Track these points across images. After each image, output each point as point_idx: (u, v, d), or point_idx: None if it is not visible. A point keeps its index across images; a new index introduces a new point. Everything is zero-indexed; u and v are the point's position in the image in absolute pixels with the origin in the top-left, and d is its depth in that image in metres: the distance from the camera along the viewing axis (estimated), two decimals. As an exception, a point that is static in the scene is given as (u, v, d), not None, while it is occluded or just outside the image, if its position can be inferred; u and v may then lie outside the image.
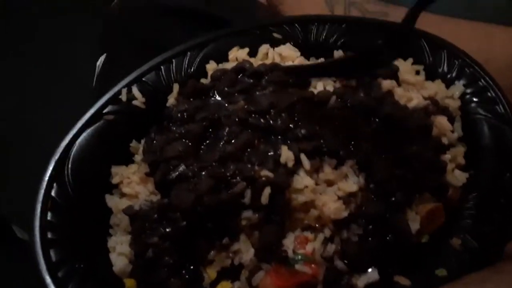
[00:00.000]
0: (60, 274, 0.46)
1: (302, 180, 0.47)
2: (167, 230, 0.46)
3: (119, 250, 0.49)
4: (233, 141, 0.50)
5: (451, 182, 0.53)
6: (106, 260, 0.49)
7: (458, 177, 0.53)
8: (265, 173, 0.46)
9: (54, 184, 0.51)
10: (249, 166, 0.47)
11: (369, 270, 0.46)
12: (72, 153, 0.53)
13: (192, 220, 0.46)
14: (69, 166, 0.52)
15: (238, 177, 0.46)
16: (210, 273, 0.47)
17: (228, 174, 0.46)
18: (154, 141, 0.53)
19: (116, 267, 0.48)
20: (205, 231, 0.46)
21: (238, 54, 0.61)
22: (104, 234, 0.52)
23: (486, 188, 0.52)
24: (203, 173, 0.47)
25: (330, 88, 0.56)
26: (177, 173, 0.48)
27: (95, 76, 0.80)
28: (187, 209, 0.45)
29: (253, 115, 0.52)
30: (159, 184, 0.49)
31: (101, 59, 0.79)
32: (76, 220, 0.51)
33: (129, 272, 0.48)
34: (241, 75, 0.57)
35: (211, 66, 0.60)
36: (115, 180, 0.53)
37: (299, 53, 0.61)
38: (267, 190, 0.45)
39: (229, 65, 0.60)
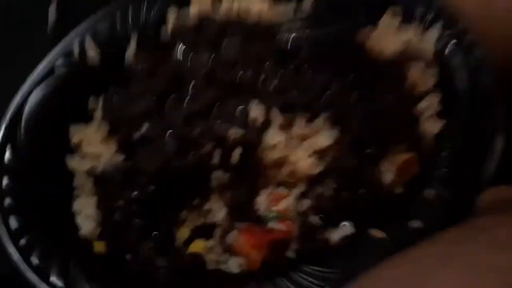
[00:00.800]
0: (23, 241, 0.43)
1: (274, 136, 0.45)
2: (134, 194, 0.44)
3: (86, 213, 0.47)
4: (199, 96, 0.46)
5: (426, 131, 0.52)
6: (72, 224, 0.47)
7: (432, 126, 0.52)
8: (234, 131, 0.44)
9: (7, 148, 0.47)
10: (217, 123, 0.44)
11: (344, 223, 0.46)
12: (24, 113, 0.49)
13: (160, 184, 0.44)
14: (22, 126, 0.48)
15: (206, 137, 0.43)
16: (183, 232, 0.46)
17: (194, 133, 0.43)
18: (114, 97, 0.49)
19: (84, 230, 0.46)
20: (174, 193, 0.44)
21: (200, -2, 0.56)
22: (69, 197, 0.49)
23: (460, 137, 0.51)
24: (169, 133, 0.44)
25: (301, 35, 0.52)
26: (141, 133, 0.45)
27: (49, 24, 0.73)
28: (154, 173, 0.43)
29: (219, 69, 0.48)
30: (123, 145, 0.46)
31: (53, 6, 0.72)
32: (36, 184, 0.48)
33: (97, 234, 0.46)
34: (205, 23, 0.52)
35: (172, 14, 0.54)
36: (74, 140, 0.50)
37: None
38: (237, 150, 0.43)
39: (192, 10, 0.55)
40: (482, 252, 0.34)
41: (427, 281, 0.33)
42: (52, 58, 0.51)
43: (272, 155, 0.45)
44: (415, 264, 0.37)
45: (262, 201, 0.45)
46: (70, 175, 0.49)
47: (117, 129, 0.47)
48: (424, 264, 0.37)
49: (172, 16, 0.55)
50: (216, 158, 0.43)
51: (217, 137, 0.43)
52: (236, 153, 0.43)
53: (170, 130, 0.44)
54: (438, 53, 0.56)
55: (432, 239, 0.41)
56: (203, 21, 0.53)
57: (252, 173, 0.45)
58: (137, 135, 0.45)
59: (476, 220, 0.40)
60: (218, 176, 0.44)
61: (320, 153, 0.46)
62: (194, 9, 0.55)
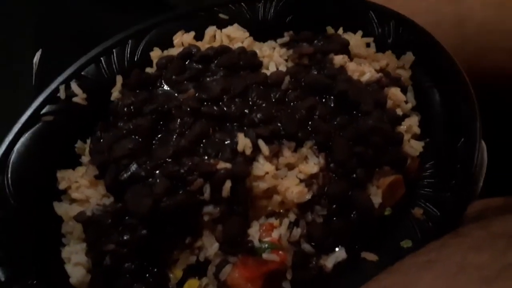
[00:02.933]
0: (11, 294, 0.42)
1: (262, 166, 0.46)
2: (125, 237, 0.43)
3: (75, 260, 0.46)
4: (186, 132, 0.47)
5: (409, 153, 0.53)
6: (61, 272, 0.46)
7: (414, 147, 0.53)
8: (223, 165, 0.44)
9: (-6, 199, 0.46)
10: (205, 158, 0.45)
11: (337, 249, 0.46)
12: (11, 162, 0.48)
13: (151, 226, 0.43)
14: (9, 176, 0.48)
15: (194, 174, 0.43)
16: (176, 273, 0.45)
17: (183, 170, 0.43)
18: (101, 140, 0.49)
19: (73, 279, 0.45)
20: (166, 233, 0.44)
21: (183, 39, 0.58)
22: (57, 245, 0.48)
23: (442, 155, 0.53)
24: (157, 172, 0.44)
25: (282, 68, 0.54)
26: (129, 173, 0.45)
27: (34, 73, 0.74)
28: (145, 215, 0.43)
29: (205, 103, 0.49)
30: (111, 187, 0.46)
31: (37, 55, 0.74)
32: (24, 233, 0.46)
33: (88, 282, 0.45)
34: (188, 61, 0.54)
35: (156, 54, 0.56)
36: (62, 186, 0.49)
37: (247, 34, 0.59)
38: (227, 183, 0.43)
39: (175, 51, 0.56)
40: (460, 254, 0.35)
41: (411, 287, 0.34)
42: (37, 105, 0.51)
43: (262, 185, 0.45)
44: (401, 274, 0.38)
45: (254, 232, 0.45)
46: (58, 222, 0.49)
47: (105, 172, 0.46)
48: (409, 272, 0.37)
49: (155, 56, 0.56)
50: (206, 194, 0.43)
51: (206, 172, 0.44)
52: (227, 187, 0.43)
53: (158, 170, 0.44)
54: (413, 77, 0.59)
55: (420, 249, 0.42)
56: (186, 57, 0.54)
57: (242, 205, 0.45)
58: (124, 175, 0.45)
59: (459, 229, 0.41)
60: (209, 211, 0.44)
61: (308, 181, 0.47)
62: (177, 48, 0.57)
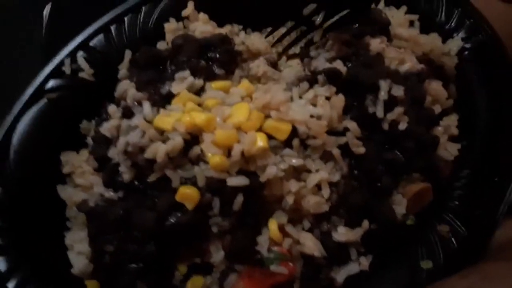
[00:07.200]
0: (11, 285, 0.41)
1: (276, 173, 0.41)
2: (132, 247, 0.41)
3: (78, 249, 0.44)
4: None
5: (442, 156, 0.48)
6: (64, 259, 0.45)
7: (450, 150, 0.48)
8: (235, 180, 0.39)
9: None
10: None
11: (350, 262, 0.43)
12: (13, 142, 0.45)
13: (156, 238, 0.41)
14: (11, 157, 0.45)
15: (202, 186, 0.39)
16: (181, 268, 0.44)
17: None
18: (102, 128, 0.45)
19: (76, 269, 0.44)
20: (171, 242, 0.41)
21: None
22: (61, 229, 0.46)
23: (479, 163, 0.47)
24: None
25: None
26: (124, 180, 0.41)
27: (44, 27, 0.70)
28: (150, 230, 0.40)
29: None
30: (108, 185, 0.43)
31: (47, 8, 0.69)
32: (27, 220, 0.45)
33: (90, 272, 0.44)
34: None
35: (170, 27, 0.50)
36: (65, 170, 0.47)
37: None
38: (239, 197, 0.39)
39: (193, 27, 0.50)
40: None
41: None
42: (41, 81, 0.47)
43: (276, 192, 0.41)
44: None
45: (263, 241, 0.41)
46: (62, 205, 0.47)
47: (104, 166, 0.43)
48: None
49: (170, 30, 0.50)
50: (215, 209, 0.40)
51: (216, 188, 0.39)
52: (238, 201, 0.39)
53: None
54: (458, 66, 0.52)
55: (441, 285, 0.38)
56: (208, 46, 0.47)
57: (254, 217, 0.41)
58: (121, 179, 0.41)
59: (488, 265, 0.37)
60: (217, 222, 0.40)
61: (328, 188, 0.42)
62: (193, 24, 0.51)
